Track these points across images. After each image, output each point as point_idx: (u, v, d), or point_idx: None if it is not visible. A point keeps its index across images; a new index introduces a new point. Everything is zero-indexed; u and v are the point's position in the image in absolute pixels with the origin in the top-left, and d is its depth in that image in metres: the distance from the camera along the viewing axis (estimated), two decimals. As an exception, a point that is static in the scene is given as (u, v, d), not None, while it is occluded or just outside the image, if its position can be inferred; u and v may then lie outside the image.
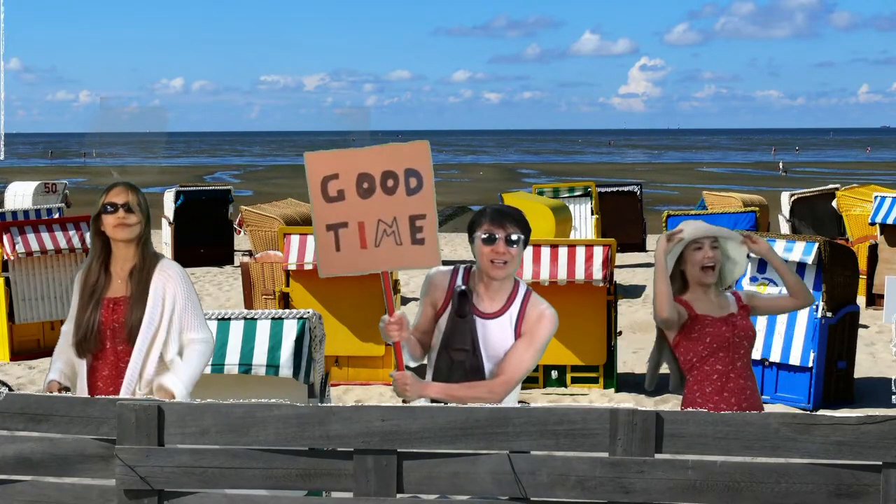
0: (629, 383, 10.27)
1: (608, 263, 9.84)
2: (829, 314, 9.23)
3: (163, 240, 19.87)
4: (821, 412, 4.34)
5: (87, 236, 12.04)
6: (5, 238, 11.60)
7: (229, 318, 5.38)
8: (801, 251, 9.21)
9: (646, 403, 9.25)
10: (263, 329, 5.37)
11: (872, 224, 14.68)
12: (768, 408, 8.87)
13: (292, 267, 10.36)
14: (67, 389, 4.41)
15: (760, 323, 9.08)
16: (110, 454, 3.44)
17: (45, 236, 11.82)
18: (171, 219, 19.76)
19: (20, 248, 11.60)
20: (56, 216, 14.49)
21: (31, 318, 11.87)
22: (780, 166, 67.24)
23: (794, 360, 9.28)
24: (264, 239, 17.36)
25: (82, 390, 4.39)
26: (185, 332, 4.43)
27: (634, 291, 15.87)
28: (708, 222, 4.85)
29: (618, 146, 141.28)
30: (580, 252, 9.87)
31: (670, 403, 8.94)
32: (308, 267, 10.28)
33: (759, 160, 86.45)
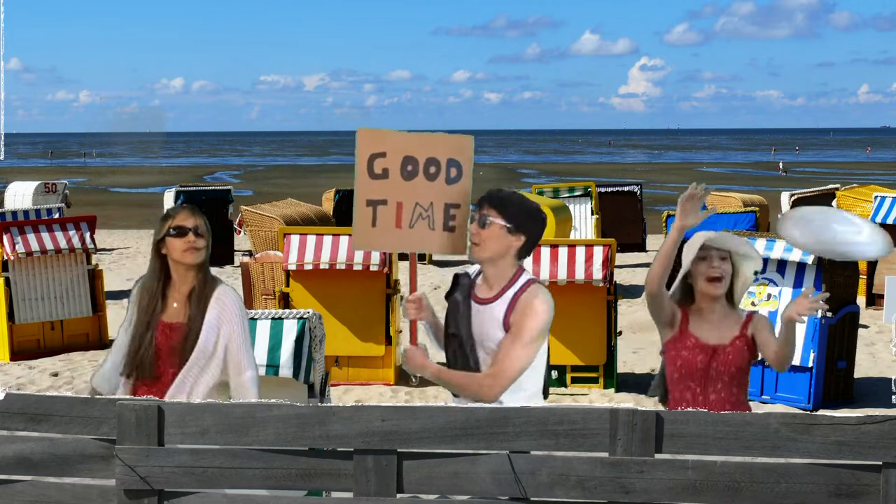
0: (629, 383, 10.27)
1: (608, 263, 9.85)
2: (829, 314, 9.23)
3: (163, 240, 19.85)
4: (821, 412, 4.32)
5: (87, 236, 12.13)
6: (5, 238, 11.60)
7: (229, 319, 5.38)
8: (801, 251, 9.20)
9: (646, 403, 9.23)
10: (263, 329, 5.37)
11: (872, 224, 14.68)
12: (768, 408, 8.88)
13: (292, 267, 10.36)
14: None
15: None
16: (110, 454, 3.44)
17: (45, 236, 11.84)
18: (171, 219, 19.75)
19: (20, 248, 11.61)
20: (56, 216, 14.51)
21: (31, 318, 11.88)
22: (780, 166, 67.24)
23: (794, 360, 9.28)
24: (264, 239, 17.37)
25: None
26: (242, 372, 4.29)
27: (634, 291, 15.85)
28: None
29: (618, 146, 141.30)
30: (580, 252, 9.87)
31: (670, 403, 8.94)
32: (308, 267, 10.28)
33: (759, 160, 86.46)
